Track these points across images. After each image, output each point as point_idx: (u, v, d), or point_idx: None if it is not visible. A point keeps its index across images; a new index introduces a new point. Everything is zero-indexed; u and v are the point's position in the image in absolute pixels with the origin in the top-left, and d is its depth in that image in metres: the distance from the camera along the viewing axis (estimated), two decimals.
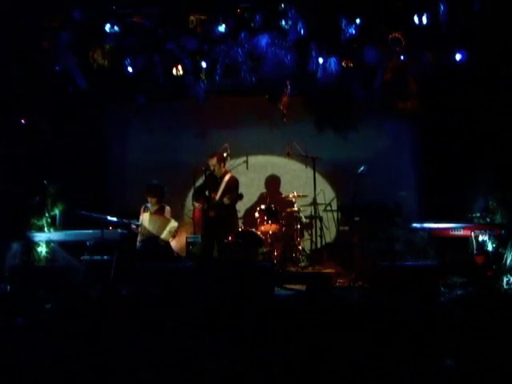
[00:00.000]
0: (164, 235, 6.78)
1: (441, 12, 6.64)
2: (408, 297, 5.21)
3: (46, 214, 7.28)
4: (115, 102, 8.21)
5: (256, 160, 8.62)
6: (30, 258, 6.82)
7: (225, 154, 7.75)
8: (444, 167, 7.71)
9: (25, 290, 5.76)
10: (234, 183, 7.29)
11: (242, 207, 8.07)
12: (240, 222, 7.94)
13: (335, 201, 8.38)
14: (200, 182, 7.58)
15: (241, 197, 7.21)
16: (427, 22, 6.76)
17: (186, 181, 8.03)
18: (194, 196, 7.51)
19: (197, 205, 7.34)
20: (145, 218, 6.87)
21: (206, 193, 7.26)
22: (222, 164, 7.33)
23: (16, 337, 4.17)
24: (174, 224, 6.86)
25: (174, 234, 6.91)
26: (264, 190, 8.70)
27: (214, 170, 7.26)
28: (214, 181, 7.30)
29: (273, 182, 8.78)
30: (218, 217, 7.12)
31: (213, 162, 7.25)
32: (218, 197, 7.19)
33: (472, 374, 3.32)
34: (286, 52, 7.06)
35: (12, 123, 7.34)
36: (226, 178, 7.29)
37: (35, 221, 7.18)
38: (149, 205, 7.05)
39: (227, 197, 7.04)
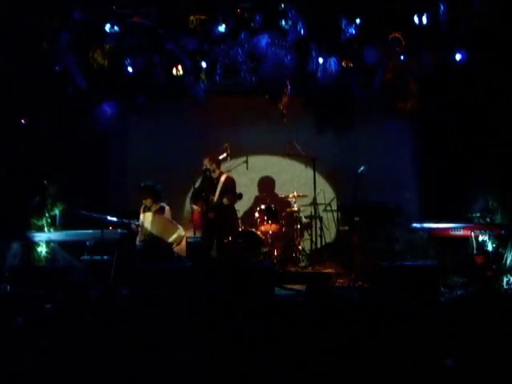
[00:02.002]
0: (171, 240, 6.76)
1: (441, 12, 6.63)
2: (408, 297, 5.20)
3: (46, 214, 7.29)
4: (115, 102, 8.20)
5: (256, 160, 8.62)
6: (30, 258, 6.82)
7: (225, 154, 7.75)
8: (444, 167, 7.70)
9: (25, 289, 5.76)
10: (230, 183, 7.27)
11: (241, 207, 8.06)
12: (240, 222, 7.93)
13: (335, 201, 8.38)
14: (198, 183, 7.54)
15: (240, 196, 7.18)
16: (427, 22, 6.75)
17: (186, 181, 8.02)
18: (192, 199, 7.46)
19: (195, 207, 7.31)
20: (146, 218, 6.83)
21: (203, 194, 7.23)
22: (215, 165, 7.29)
23: (16, 337, 4.16)
24: (182, 233, 6.85)
25: (179, 242, 6.89)
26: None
27: (209, 171, 7.21)
28: (210, 182, 7.28)
29: (267, 183, 8.74)
30: (218, 218, 7.11)
31: (205, 162, 7.22)
32: (216, 198, 7.17)
33: (472, 373, 3.32)
34: (286, 52, 7.06)
35: (12, 123, 7.34)
36: (222, 178, 7.27)
37: (35, 221, 7.18)
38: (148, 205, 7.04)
39: (227, 197, 7.02)
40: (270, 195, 8.43)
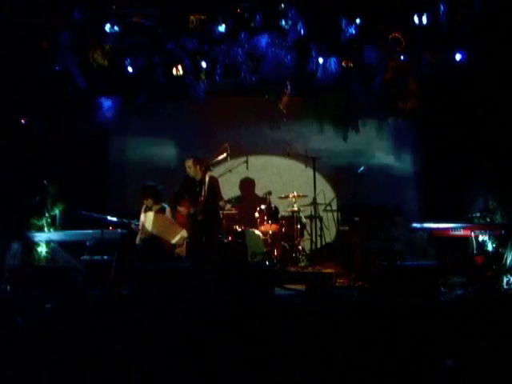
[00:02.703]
0: (174, 241, 6.73)
1: (441, 12, 6.63)
2: (408, 297, 5.20)
3: (46, 214, 7.28)
4: (115, 102, 8.20)
5: (256, 160, 8.61)
6: (30, 258, 6.82)
7: (225, 154, 7.73)
8: (444, 167, 7.70)
9: (25, 290, 5.76)
10: (215, 182, 7.19)
11: (241, 207, 8.06)
12: (238, 222, 7.94)
13: (335, 201, 8.38)
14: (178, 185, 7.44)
15: (239, 199, 7.13)
16: (427, 22, 6.76)
17: None
18: (175, 201, 7.31)
19: (182, 209, 7.18)
20: (148, 218, 6.80)
21: (186, 196, 7.15)
22: (199, 166, 7.18)
23: (16, 337, 4.16)
24: (185, 234, 6.80)
25: (181, 244, 6.87)
26: (264, 190, 8.68)
27: (192, 174, 7.14)
28: (192, 184, 7.13)
29: (247, 183, 8.69)
30: (207, 219, 7.03)
31: (189, 163, 7.09)
32: (204, 199, 7.06)
33: (472, 374, 3.32)
34: (286, 52, 7.07)
35: (12, 123, 7.34)
36: (207, 178, 7.16)
37: (35, 221, 7.18)
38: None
39: (223, 201, 7.01)
40: (249, 196, 8.36)
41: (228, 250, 7.26)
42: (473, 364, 3.40)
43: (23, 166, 7.23)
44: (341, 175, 8.31)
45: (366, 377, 3.34)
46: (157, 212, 6.90)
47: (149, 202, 6.95)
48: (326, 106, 8.45)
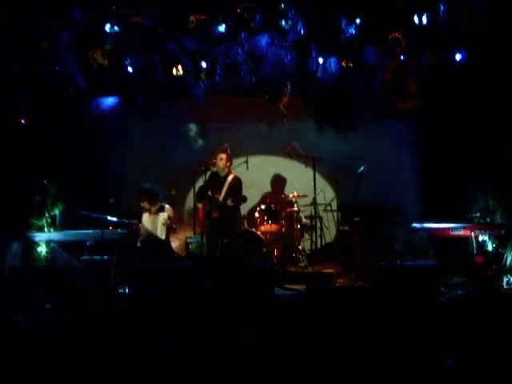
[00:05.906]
0: (159, 231, 6.77)
1: (441, 12, 6.64)
2: (408, 297, 5.20)
3: (46, 214, 7.28)
4: (115, 102, 8.19)
5: (256, 160, 8.61)
6: (30, 257, 6.81)
7: None
8: (444, 167, 7.70)
9: (25, 290, 5.76)
10: (237, 183, 7.30)
11: (242, 207, 8.06)
12: (245, 223, 7.94)
13: (335, 201, 8.38)
14: (201, 182, 7.56)
15: (244, 199, 7.19)
16: (427, 22, 6.76)
17: (186, 181, 8.03)
18: (197, 197, 7.48)
19: (200, 206, 7.33)
20: (144, 218, 6.91)
21: (209, 193, 7.26)
22: (229, 163, 7.36)
23: (16, 337, 4.16)
24: (163, 216, 6.84)
25: (169, 224, 6.85)
26: (264, 190, 8.69)
27: (220, 167, 7.27)
28: (217, 180, 7.31)
29: (278, 182, 8.75)
30: (221, 218, 7.09)
31: (222, 156, 7.29)
32: (221, 197, 7.18)
33: (472, 374, 3.32)
34: (286, 52, 7.06)
35: (12, 123, 7.33)
36: (230, 178, 7.31)
37: (35, 221, 7.18)
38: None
39: (231, 199, 7.02)
40: (278, 194, 8.45)
41: (228, 250, 7.27)
42: (473, 364, 3.40)
43: (23, 166, 7.23)
44: (341, 175, 8.31)
45: (366, 377, 3.34)
46: (155, 212, 6.93)
47: (145, 204, 7.00)
48: (326, 105, 8.44)
